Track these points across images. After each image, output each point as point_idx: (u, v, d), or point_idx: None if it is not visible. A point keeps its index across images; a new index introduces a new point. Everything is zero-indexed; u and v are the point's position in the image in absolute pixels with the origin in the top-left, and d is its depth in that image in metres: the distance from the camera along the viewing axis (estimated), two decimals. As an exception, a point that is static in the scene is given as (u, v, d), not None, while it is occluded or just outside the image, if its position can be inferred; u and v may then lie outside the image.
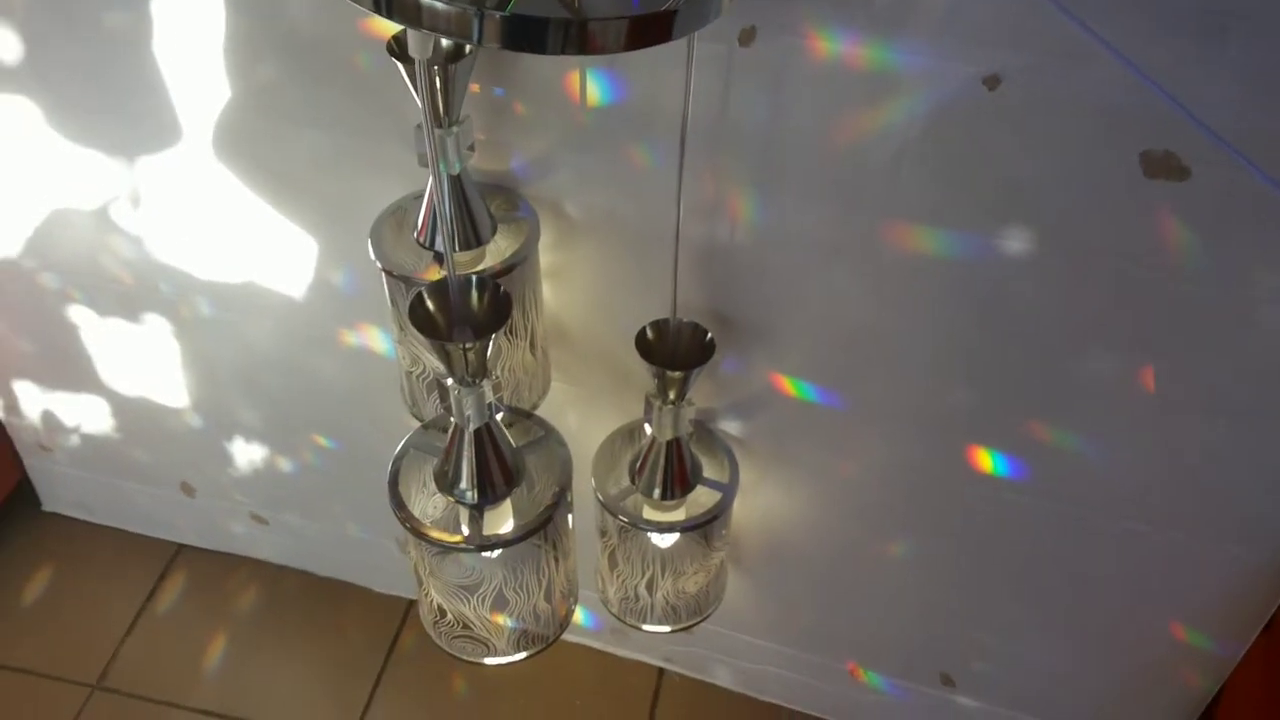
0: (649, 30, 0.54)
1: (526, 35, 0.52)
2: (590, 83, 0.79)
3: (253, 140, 0.92)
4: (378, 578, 1.36)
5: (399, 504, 0.76)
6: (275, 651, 1.32)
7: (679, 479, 0.92)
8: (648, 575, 0.97)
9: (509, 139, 0.84)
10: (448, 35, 0.52)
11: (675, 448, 0.90)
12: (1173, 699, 1.05)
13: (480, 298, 0.68)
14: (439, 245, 0.82)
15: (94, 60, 0.91)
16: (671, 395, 0.85)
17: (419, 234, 0.82)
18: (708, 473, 0.94)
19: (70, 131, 0.97)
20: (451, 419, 0.73)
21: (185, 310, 1.10)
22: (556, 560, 0.79)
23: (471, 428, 0.72)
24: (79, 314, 1.16)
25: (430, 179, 0.80)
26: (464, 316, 0.67)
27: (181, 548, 1.41)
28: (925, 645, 1.13)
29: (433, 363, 0.85)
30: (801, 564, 1.10)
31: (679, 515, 0.94)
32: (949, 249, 0.79)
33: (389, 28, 0.80)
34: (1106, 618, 1.01)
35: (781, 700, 1.26)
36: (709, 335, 0.84)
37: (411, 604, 1.36)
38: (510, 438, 0.76)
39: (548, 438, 0.81)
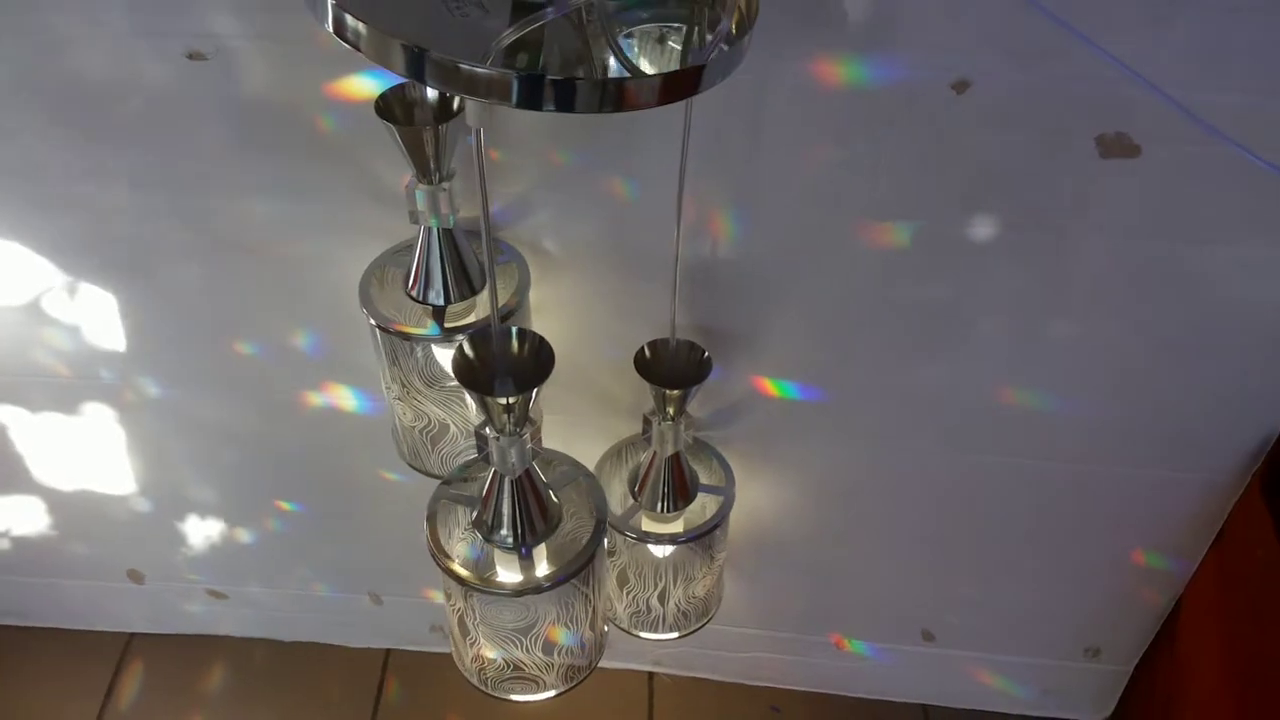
0: (679, 86, 0.57)
1: (566, 96, 0.53)
2: (568, 124, 0.80)
3: (203, 212, 0.89)
4: (350, 634, 1.33)
5: (445, 558, 0.76)
6: (256, 727, 1.28)
7: (680, 491, 0.94)
8: (660, 586, 0.99)
9: (487, 186, 0.84)
10: (486, 98, 0.53)
11: (675, 461, 0.93)
12: (1137, 618, 1.15)
13: (521, 348, 0.69)
14: (431, 299, 0.82)
15: (23, 153, 0.86)
16: (670, 412, 0.88)
17: (411, 288, 0.81)
18: (704, 480, 0.97)
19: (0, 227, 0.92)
20: (491, 467, 0.73)
21: (130, 394, 1.05)
22: (598, 588, 0.80)
23: (515, 475, 0.73)
24: (7, 414, 1.09)
25: (420, 235, 0.80)
26: (505, 366, 0.68)
27: (133, 637, 1.35)
28: (904, 606, 1.20)
29: (440, 415, 0.85)
30: (786, 552, 1.14)
31: (679, 526, 0.97)
32: (922, 240, 0.84)
33: (355, 90, 0.79)
34: (1071, 554, 1.10)
35: (772, 683, 1.31)
36: (705, 353, 0.86)
37: (389, 653, 1.34)
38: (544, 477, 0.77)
39: (573, 472, 0.82)
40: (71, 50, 0.79)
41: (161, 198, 0.88)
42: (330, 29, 0.52)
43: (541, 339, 0.68)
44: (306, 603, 1.29)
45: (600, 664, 1.31)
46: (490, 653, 0.81)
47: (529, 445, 0.72)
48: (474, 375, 0.68)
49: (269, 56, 0.78)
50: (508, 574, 0.77)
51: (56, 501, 1.18)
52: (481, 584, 0.74)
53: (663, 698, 1.30)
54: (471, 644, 0.81)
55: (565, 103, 0.53)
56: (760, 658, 1.28)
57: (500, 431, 0.71)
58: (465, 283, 0.81)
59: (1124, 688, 1.24)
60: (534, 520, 0.76)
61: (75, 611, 1.33)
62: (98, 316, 0.98)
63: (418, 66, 0.51)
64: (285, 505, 1.17)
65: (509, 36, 0.52)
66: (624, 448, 0.99)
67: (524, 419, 0.70)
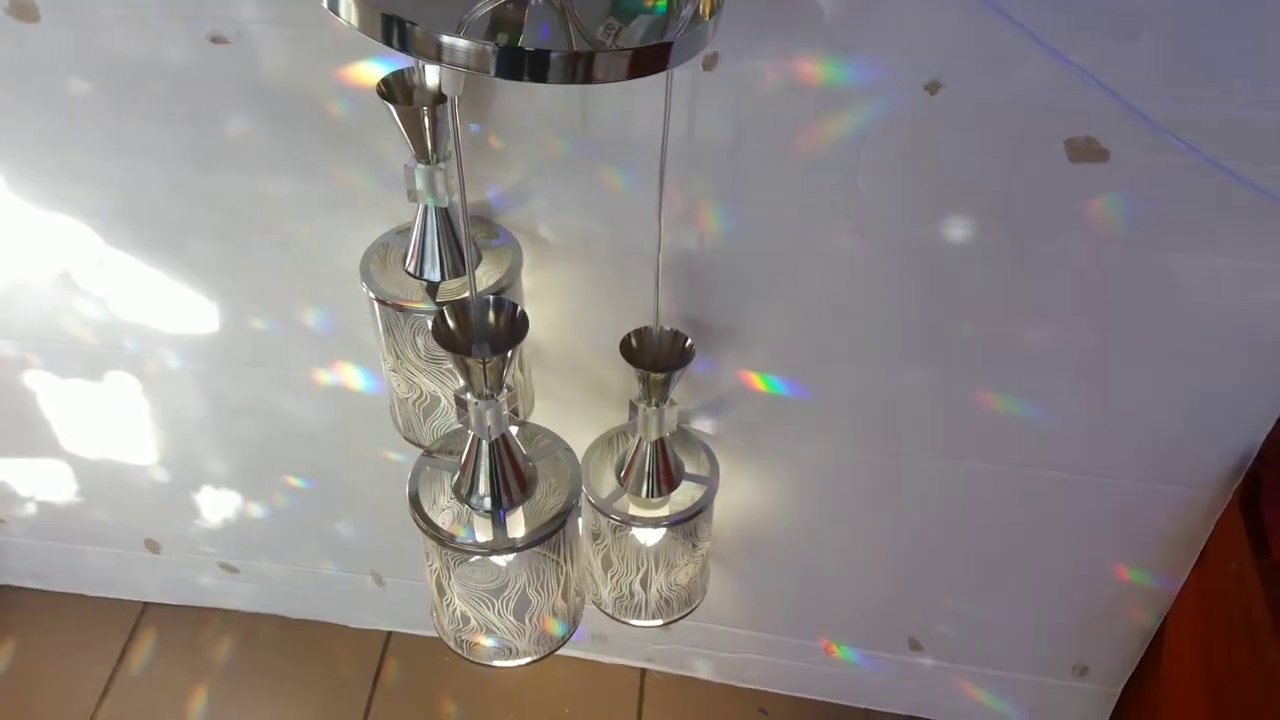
0: (648, 61, 0.61)
1: (539, 67, 0.57)
2: (564, 113, 0.85)
3: (223, 191, 0.95)
4: (354, 614, 1.37)
5: (424, 517, 0.79)
6: (258, 699, 1.32)
7: (665, 476, 0.97)
8: (642, 571, 1.02)
9: (486, 171, 0.89)
10: (465, 68, 0.57)
11: (660, 447, 0.96)
12: (1122, 636, 1.16)
13: (498, 316, 0.73)
14: (426, 274, 0.86)
15: (57, 127, 0.92)
16: (655, 398, 0.91)
17: (409, 264, 0.86)
18: (689, 469, 1.00)
19: (31, 196, 0.98)
20: (470, 433, 0.77)
21: (151, 365, 1.11)
22: (571, 558, 0.84)
23: (491, 438, 0.77)
24: (37, 379, 1.15)
25: (418, 213, 0.84)
26: (483, 333, 0.72)
27: (147, 606, 1.40)
28: (893, 614, 1.21)
29: (430, 386, 0.89)
30: (773, 551, 1.16)
31: (665, 512, 1.00)
32: (902, 240, 0.87)
33: (365, 76, 0.84)
34: (1057, 567, 1.11)
35: (761, 685, 1.32)
36: (688, 341, 0.90)
37: (390, 635, 1.38)
38: (522, 447, 0.81)
39: (554, 445, 0.85)
40: (107, 31, 0.85)
41: (185, 175, 0.94)
42: (324, 4, 0.57)
43: (516, 306, 0.72)
44: (313, 580, 1.33)
45: (594, 658, 1.35)
46: (465, 613, 0.84)
47: (504, 410, 0.75)
48: (453, 340, 0.72)
49: (286, 42, 0.84)
50: (483, 536, 0.80)
51: (81, 468, 1.24)
52: (453, 541, 0.78)
53: (653, 694, 1.32)
54: (448, 605, 0.85)
55: (539, 73, 0.57)
56: (749, 659, 1.30)
57: (478, 396, 0.74)
58: (460, 260, 0.86)
59: (1112, 710, 1.24)
60: (509, 485, 0.80)
61: (93, 578, 1.39)
62: (124, 287, 1.04)
63: (398, 36, 0.55)
64: (295, 481, 1.21)
65: (484, 8, 0.56)
66: (614, 436, 1.03)
67: (499, 384, 0.74)
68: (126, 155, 0.93)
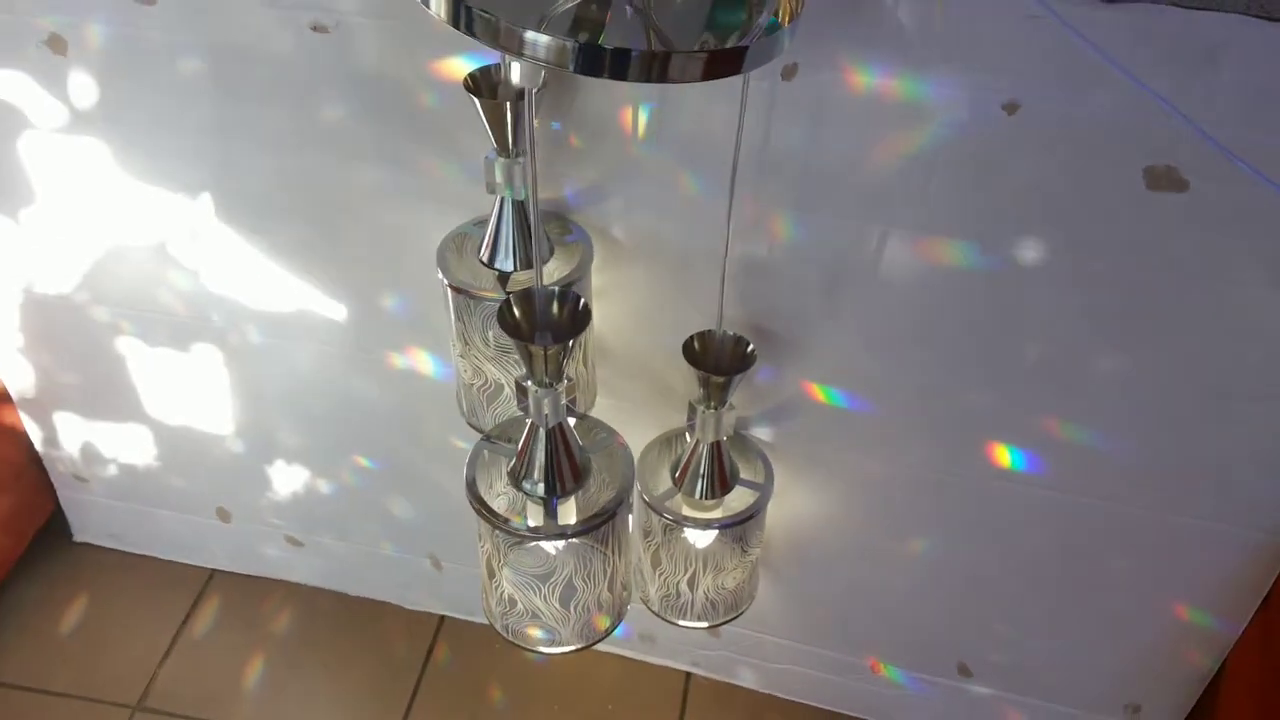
0: (722, 64, 0.62)
1: (618, 65, 0.59)
2: (642, 116, 0.87)
3: (314, 175, 0.99)
4: (410, 595, 1.41)
5: (478, 498, 0.82)
6: (312, 671, 1.36)
7: (719, 479, 0.98)
8: (690, 572, 1.03)
9: (564, 169, 0.91)
10: (546, 63, 0.59)
11: (716, 450, 0.97)
12: (1178, 677, 1.13)
13: (561, 307, 0.75)
14: (498, 264, 0.89)
15: (165, 106, 0.97)
16: (714, 401, 0.93)
17: (483, 254, 0.89)
18: (744, 475, 1.01)
19: (137, 172, 1.03)
20: (528, 420, 0.79)
21: (235, 338, 1.16)
22: (619, 551, 0.85)
23: (548, 426, 0.79)
24: (128, 345, 1.21)
25: (495, 205, 0.87)
26: (546, 323, 0.74)
27: (214, 573, 1.45)
28: (943, 637, 1.21)
29: (495, 374, 0.92)
30: (825, 564, 1.17)
31: (717, 515, 1.01)
32: (972, 259, 0.87)
33: (455, 70, 0.87)
34: (1115, 602, 1.09)
35: (805, 699, 1.32)
36: (750, 346, 0.91)
37: (443, 619, 1.41)
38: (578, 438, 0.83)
39: (609, 439, 0.87)
40: (218, 15, 0.90)
41: (280, 158, 0.98)
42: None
43: (579, 298, 0.74)
44: (373, 559, 1.37)
45: (641, 658, 1.36)
46: (512, 596, 0.86)
47: (563, 400, 0.77)
48: (517, 327, 0.74)
49: (382, 34, 0.87)
50: (534, 522, 0.82)
51: (162, 434, 1.30)
52: (505, 524, 0.80)
53: (696, 699, 1.33)
54: (496, 587, 0.87)
55: (618, 70, 0.59)
56: (795, 671, 1.30)
57: (538, 383, 0.77)
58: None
59: (1164, 753, 1.21)
60: (563, 473, 0.81)
61: (166, 541, 1.44)
62: (215, 263, 1.09)
63: (484, 29, 0.58)
64: (363, 461, 1.25)
65: (566, 4, 0.58)
66: (672, 437, 1.04)
67: (559, 373, 0.76)
68: (227, 137, 0.98)
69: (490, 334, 0.88)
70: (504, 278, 0.88)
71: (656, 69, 0.60)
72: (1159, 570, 1.05)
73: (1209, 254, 0.81)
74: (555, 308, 0.75)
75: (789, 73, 0.80)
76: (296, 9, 0.88)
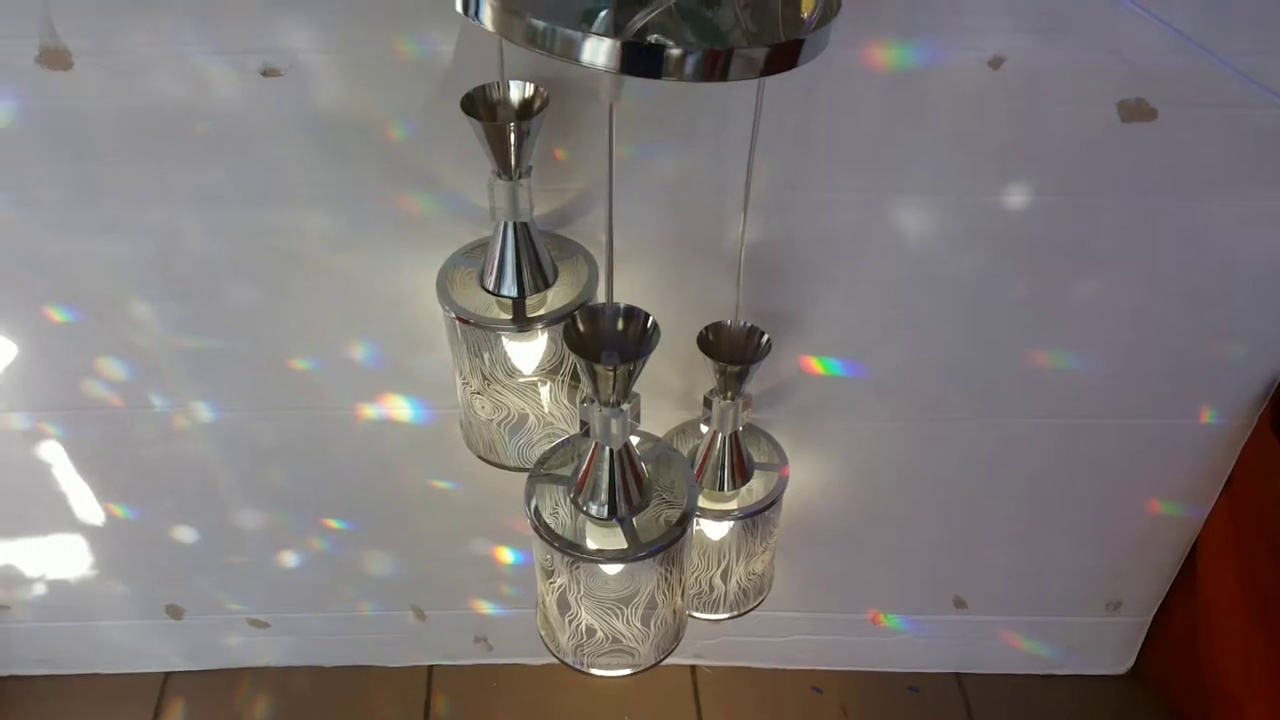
0: (782, 58, 0.62)
1: (722, 67, 0.58)
2: (627, 118, 0.85)
3: (266, 230, 0.92)
4: (393, 652, 1.34)
5: (553, 534, 0.79)
6: (305, 755, 1.28)
7: (738, 469, 0.99)
8: (723, 564, 1.03)
9: (554, 184, 0.89)
10: (610, 69, 0.57)
11: (734, 441, 0.97)
12: (1155, 567, 1.23)
13: (629, 325, 0.73)
14: (505, 290, 0.86)
15: (91, 177, 0.88)
16: (730, 391, 0.93)
17: (488, 282, 0.85)
18: (757, 459, 1.02)
19: (58, 256, 0.93)
20: (593, 441, 0.77)
21: (181, 420, 1.06)
22: (688, 556, 0.84)
23: (617, 447, 0.77)
24: (52, 451, 1.09)
25: (499, 230, 0.83)
26: (612, 342, 0.72)
27: (170, 676, 1.33)
28: (939, 576, 1.26)
29: (519, 405, 0.89)
30: (823, 530, 1.19)
31: (733, 505, 1.01)
32: (960, 212, 0.90)
33: (425, 100, 0.83)
34: (1092, 510, 1.17)
35: (811, 665, 1.35)
36: (764, 335, 0.91)
37: (432, 669, 1.35)
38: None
39: (657, 446, 0.86)
40: (147, 72, 0.82)
41: (227, 216, 0.91)
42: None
43: (648, 316, 0.73)
44: (350, 624, 1.29)
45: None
46: (591, 626, 0.84)
47: (629, 419, 0.76)
48: (584, 346, 0.72)
49: (343, 69, 0.82)
50: (600, 545, 0.80)
51: (96, 539, 1.18)
52: (592, 554, 0.78)
53: (707, 689, 1.34)
54: (571, 620, 0.84)
55: (717, 73, 0.58)
56: (799, 640, 1.32)
57: (604, 403, 0.74)
58: (540, 276, 0.85)
59: (1143, 638, 1.31)
60: (630, 490, 0.80)
61: (109, 655, 1.32)
62: (155, 341, 1.00)
63: (546, 38, 0.55)
64: (334, 523, 1.18)
65: (641, 20, 0.57)
66: (674, 435, 1.04)
67: (626, 391, 0.74)
68: (168, 201, 0.89)
69: (516, 364, 0.85)
70: (517, 304, 0.85)
71: (720, 68, 0.59)
72: (1131, 472, 1.13)
73: (1174, 175, 0.88)
74: (621, 324, 0.73)
75: (780, 55, 0.81)
76: (244, 54, 0.81)
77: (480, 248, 0.90)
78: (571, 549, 0.78)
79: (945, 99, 0.83)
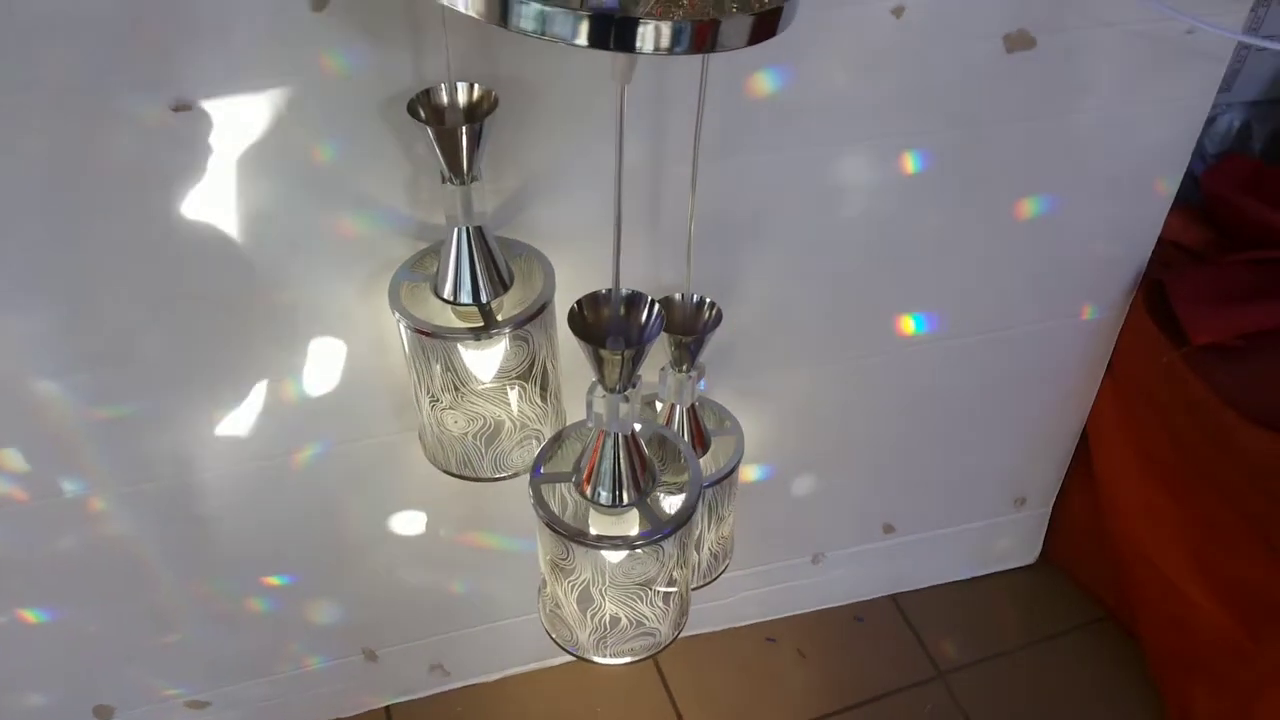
0: (763, 27, 0.64)
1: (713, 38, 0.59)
2: (559, 111, 0.85)
3: (183, 276, 0.85)
4: (346, 701, 1.28)
5: (568, 531, 0.78)
6: (273, 828, 1.21)
7: (698, 439, 1.01)
8: (695, 534, 1.05)
9: (486, 183, 0.87)
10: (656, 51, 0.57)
11: (691, 414, 0.99)
12: (1051, 461, 1.34)
13: (634, 310, 0.73)
14: (463, 298, 0.84)
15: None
16: (685, 364, 0.94)
17: (444, 291, 0.83)
18: (710, 426, 1.04)
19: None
20: (599, 430, 0.77)
21: (98, 503, 0.97)
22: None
23: (626, 432, 0.77)
24: (-54, 565, 0.97)
25: (453, 236, 0.81)
26: (617, 327, 0.72)
27: (102, 785, 1.22)
28: (870, 507, 1.33)
29: (495, 412, 0.87)
30: (757, 486, 1.23)
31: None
32: (871, 161, 0.96)
33: (360, 112, 0.80)
34: (995, 417, 1.27)
35: (759, 618, 1.39)
36: (715, 306, 0.93)
37: (389, 710, 1.30)
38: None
39: (645, 425, 0.86)
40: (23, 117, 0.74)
41: (133, 270, 0.83)
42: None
43: (654, 301, 0.73)
44: (298, 684, 1.23)
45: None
46: (616, 615, 0.84)
47: (637, 405, 0.76)
48: (588, 332, 0.72)
49: (264, 95, 0.77)
50: (620, 530, 0.80)
51: (8, 651, 1.06)
52: (624, 540, 0.78)
53: (670, 665, 1.35)
54: (594, 614, 0.84)
55: (709, 45, 0.58)
56: (745, 596, 1.36)
57: (611, 389, 0.74)
58: (499, 279, 0.84)
59: (1046, 526, 1.43)
60: (638, 474, 0.80)
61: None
62: (62, 418, 0.91)
63: (533, 18, 0.54)
64: (274, 580, 1.11)
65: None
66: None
67: (632, 376, 0.74)
68: (57, 266, 0.81)
69: (496, 367, 0.83)
70: (483, 310, 0.83)
71: (710, 39, 0.60)
72: (1027, 376, 1.23)
73: (1052, 97, 0.96)
74: (625, 310, 0.73)
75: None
76: (151, 90, 0.75)
77: (423, 260, 0.88)
78: (599, 541, 0.78)
79: (852, 52, 0.88)
